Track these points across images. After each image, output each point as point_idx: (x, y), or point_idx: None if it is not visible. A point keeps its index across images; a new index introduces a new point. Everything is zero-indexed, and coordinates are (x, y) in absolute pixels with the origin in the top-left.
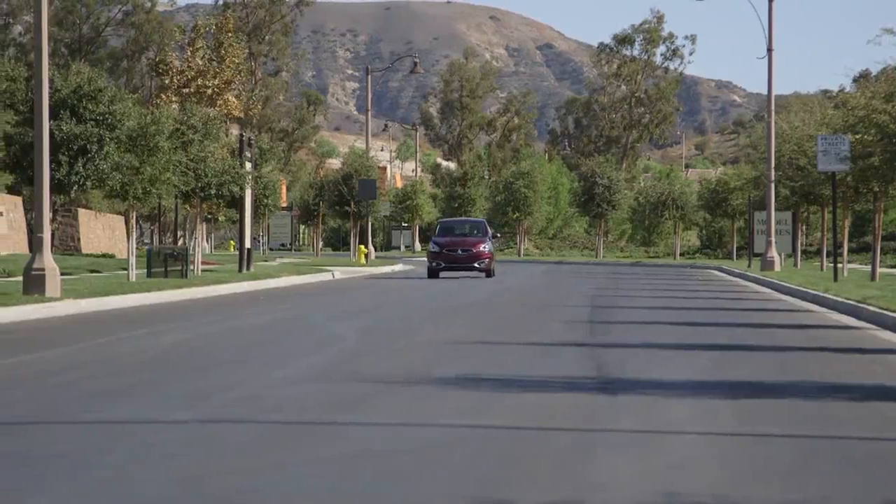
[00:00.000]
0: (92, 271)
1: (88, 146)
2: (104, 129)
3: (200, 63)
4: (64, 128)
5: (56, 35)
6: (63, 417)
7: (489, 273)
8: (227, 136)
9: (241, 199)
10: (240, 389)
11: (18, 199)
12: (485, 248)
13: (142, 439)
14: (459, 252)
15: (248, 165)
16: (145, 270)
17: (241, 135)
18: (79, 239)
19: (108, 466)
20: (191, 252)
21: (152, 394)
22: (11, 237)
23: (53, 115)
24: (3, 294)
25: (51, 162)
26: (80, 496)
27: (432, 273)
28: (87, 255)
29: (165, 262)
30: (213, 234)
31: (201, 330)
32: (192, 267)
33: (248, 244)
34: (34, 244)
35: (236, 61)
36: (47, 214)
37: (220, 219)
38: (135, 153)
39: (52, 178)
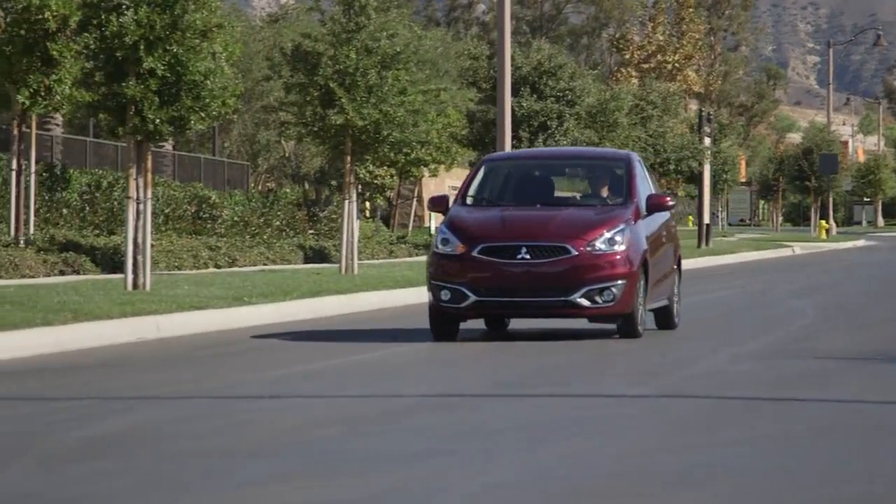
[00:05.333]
0: None
1: (548, 122)
2: (564, 106)
3: (661, 38)
4: (525, 104)
5: (518, 13)
6: (517, 391)
7: (631, 325)
8: (685, 111)
9: (700, 174)
10: (699, 364)
11: None
12: (614, 240)
13: (598, 414)
14: (525, 255)
15: (707, 141)
16: None
17: (701, 110)
18: None
19: (564, 439)
20: None
21: (610, 370)
22: None
23: (514, 92)
24: None
25: (512, 138)
26: (536, 468)
27: (438, 324)
28: None
29: None
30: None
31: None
32: None
33: (706, 219)
34: None
35: (696, 36)
36: None
37: (679, 194)
38: (594, 129)
39: None
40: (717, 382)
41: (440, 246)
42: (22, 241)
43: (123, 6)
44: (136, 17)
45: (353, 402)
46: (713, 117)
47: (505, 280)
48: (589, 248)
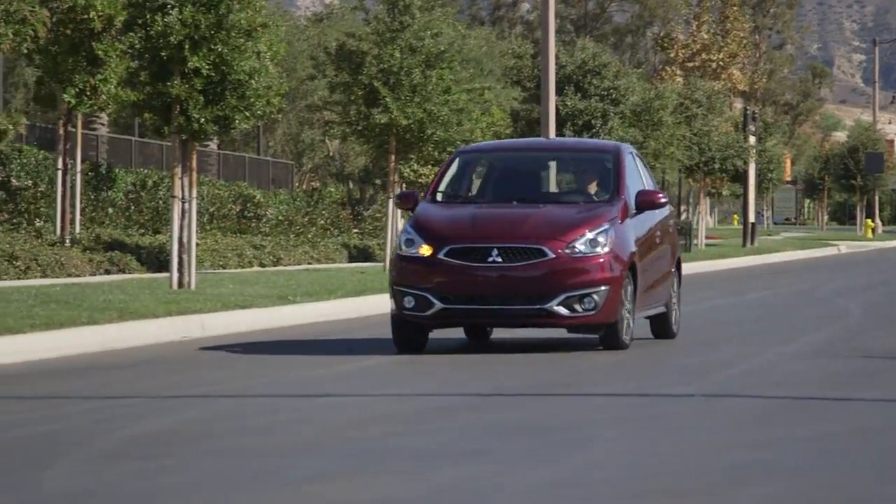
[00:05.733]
0: None
1: (593, 121)
2: (608, 104)
3: (706, 37)
4: (569, 103)
5: (562, 12)
6: (558, 391)
7: (615, 336)
8: (730, 110)
9: (745, 173)
10: (743, 364)
11: None
12: (597, 241)
13: (647, 413)
14: (496, 258)
15: (752, 139)
16: None
17: (745, 109)
18: None
19: (615, 438)
20: (694, 226)
21: (655, 368)
22: None
23: (559, 91)
24: None
25: (556, 137)
26: (584, 467)
27: (401, 334)
28: None
29: None
30: (716, 209)
31: (706, 304)
32: (695, 241)
33: (751, 218)
34: None
35: (741, 35)
36: None
37: (723, 193)
38: (639, 128)
39: None
40: (763, 382)
41: (404, 247)
42: (68, 241)
43: (168, 6)
44: (180, 17)
45: (396, 401)
46: (758, 116)
47: (474, 285)
48: (568, 251)
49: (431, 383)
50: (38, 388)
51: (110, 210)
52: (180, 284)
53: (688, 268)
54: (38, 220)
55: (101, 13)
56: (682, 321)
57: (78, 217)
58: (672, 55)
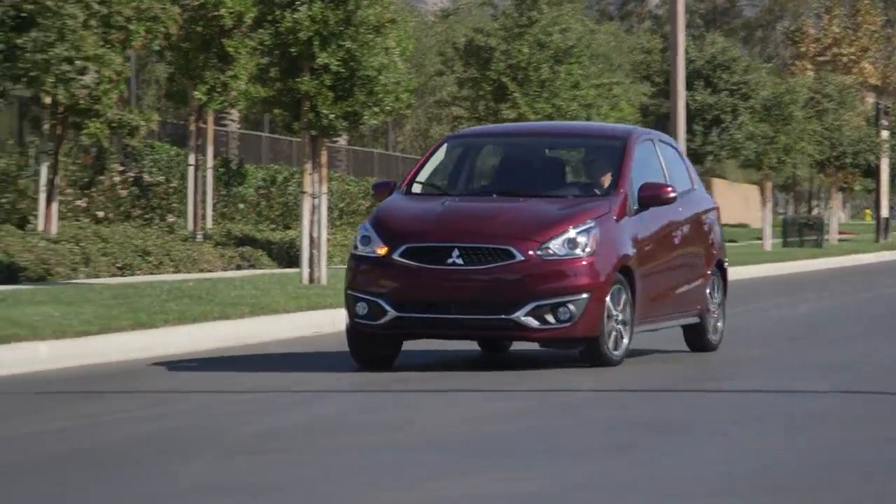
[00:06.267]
0: (728, 241)
1: (722, 116)
2: (738, 99)
3: (837, 31)
4: (698, 98)
5: (691, 6)
6: (697, 386)
7: (598, 352)
8: (862, 104)
9: (878, 167)
10: (876, 360)
11: None
12: (576, 242)
13: (780, 409)
14: (457, 259)
15: (885, 134)
16: (780, 240)
17: (877, 103)
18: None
19: (747, 434)
20: (826, 222)
21: (789, 364)
22: None
23: (688, 86)
24: None
25: (686, 132)
26: (721, 463)
27: (358, 345)
28: (722, 225)
29: (800, 232)
30: (848, 204)
31: (838, 299)
32: (827, 236)
33: (884, 213)
34: None
35: (872, 28)
36: None
37: (855, 188)
38: (769, 123)
39: (687, 149)
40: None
41: (359, 246)
42: (200, 236)
43: (297, 2)
44: (310, 13)
45: (524, 396)
46: (890, 110)
47: (432, 291)
48: (540, 252)
49: (566, 377)
50: (172, 382)
51: (241, 205)
52: (311, 279)
53: (819, 263)
54: (170, 215)
55: (231, 10)
56: (816, 316)
57: (209, 212)
58: (803, 49)
